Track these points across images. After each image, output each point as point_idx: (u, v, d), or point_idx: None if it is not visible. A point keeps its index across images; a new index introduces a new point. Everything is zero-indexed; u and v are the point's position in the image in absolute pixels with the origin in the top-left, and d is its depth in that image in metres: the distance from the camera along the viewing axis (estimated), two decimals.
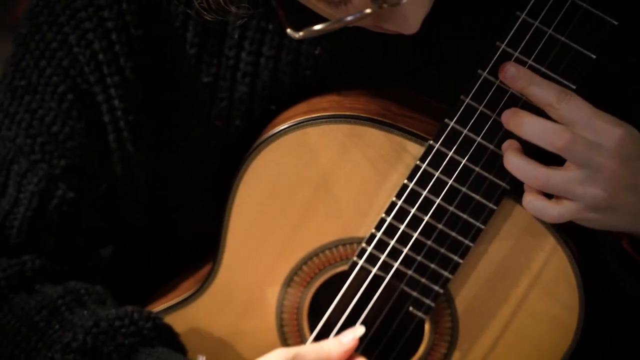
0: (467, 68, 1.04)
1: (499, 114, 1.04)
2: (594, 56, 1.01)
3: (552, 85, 1.02)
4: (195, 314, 1.19)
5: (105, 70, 1.11)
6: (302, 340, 1.18)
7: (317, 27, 0.93)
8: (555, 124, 1.02)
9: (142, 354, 1.09)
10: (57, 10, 1.09)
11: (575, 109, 1.01)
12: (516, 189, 1.07)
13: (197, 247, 1.23)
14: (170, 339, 1.14)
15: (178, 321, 1.18)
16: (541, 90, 1.01)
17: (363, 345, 1.16)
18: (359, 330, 1.14)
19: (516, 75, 1.01)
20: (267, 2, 1.04)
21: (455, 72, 1.07)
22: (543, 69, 1.02)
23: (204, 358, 1.10)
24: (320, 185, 1.11)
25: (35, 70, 1.12)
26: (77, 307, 1.13)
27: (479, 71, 1.03)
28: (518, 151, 1.04)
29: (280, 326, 1.18)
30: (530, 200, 1.04)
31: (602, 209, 1.03)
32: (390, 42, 1.06)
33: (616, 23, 1.00)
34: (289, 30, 0.94)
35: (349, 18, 0.92)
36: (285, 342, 1.18)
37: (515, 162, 1.04)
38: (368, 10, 0.92)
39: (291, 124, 1.10)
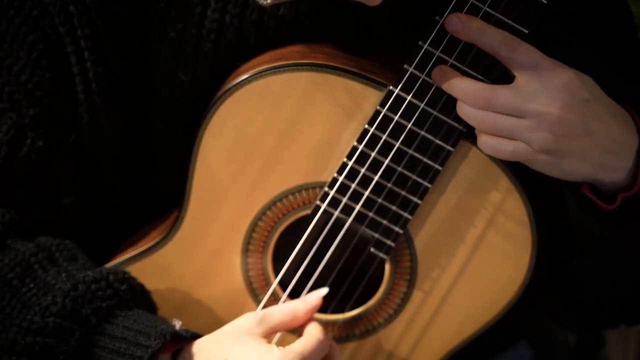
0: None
1: (457, 59, 1.08)
2: (545, 1, 1.06)
3: (500, 33, 1.06)
4: (162, 262, 1.22)
5: (76, 21, 1.13)
6: (267, 284, 1.22)
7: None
8: (478, 84, 1.07)
9: (119, 317, 1.12)
10: None
11: (523, 56, 1.06)
12: (472, 132, 1.12)
13: (166, 198, 1.26)
14: (144, 298, 1.17)
15: (146, 268, 1.22)
16: (489, 39, 1.06)
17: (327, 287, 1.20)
18: (322, 290, 1.18)
19: (461, 27, 1.06)
20: None
21: (417, 32, 1.11)
22: (497, 15, 1.06)
23: (179, 322, 1.14)
24: (283, 132, 1.15)
25: (4, 19, 1.13)
26: (49, 264, 1.16)
27: (437, 18, 1.08)
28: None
29: (246, 270, 1.22)
30: (485, 139, 1.09)
31: (554, 152, 1.07)
32: (353, 3, 1.10)
33: None
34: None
35: None
36: (251, 287, 1.22)
37: (465, 109, 1.09)
38: None
39: (254, 73, 1.13)
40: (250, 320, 1.12)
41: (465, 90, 1.07)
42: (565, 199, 1.16)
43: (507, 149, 1.08)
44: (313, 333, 1.13)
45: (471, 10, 1.07)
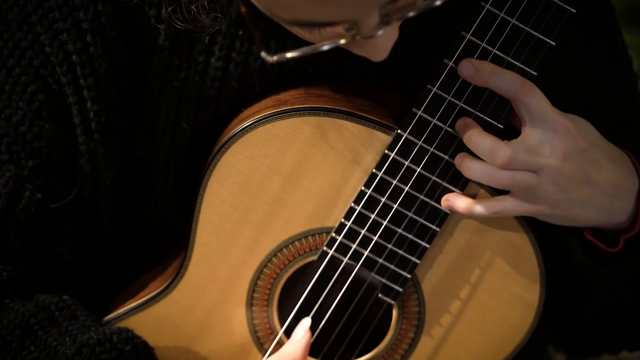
0: (431, 67, 1.08)
1: (467, 102, 1.08)
2: (553, 43, 1.06)
3: (513, 76, 1.06)
4: (165, 312, 1.19)
5: (79, 71, 1.10)
6: (272, 332, 1.19)
7: (289, 54, 0.95)
8: (498, 144, 1.06)
9: None
10: (28, 9, 1.08)
11: (535, 101, 1.06)
12: None
13: (164, 245, 1.24)
14: (147, 357, 1.15)
15: (147, 319, 1.19)
16: (503, 82, 1.06)
17: (334, 334, 1.18)
18: (305, 322, 1.17)
19: (473, 71, 1.06)
20: (239, 14, 1.06)
21: (419, 72, 1.10)
22: (508, 59, 1.06)
23: None
24: (289, 177, 1.13)
25: (3, 69, 1.10)
26: (49, 325, 1.13)
27: (445, 61, 1.07)
28: (475, 158, 1.08)
29: (251, 319, 1.19)
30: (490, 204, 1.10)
31: (557, 203, 1.08)
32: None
33: (574, 11, 1.05)
34: (263, 54, 0.96)
35: (324, 47, 0.94)
36: (256, 334, 1.20)
37: (476, 168, 1.08)
38: (342, 41, 0.94)
39: (260, 118, 1.12)
40: None
41: (485, 148, 1.06)
42: (567, 241, 1.17)
43: (513, 206, 1.09)
44: None
45: (481, 54, 1.06)
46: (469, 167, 1.08)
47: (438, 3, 0.90)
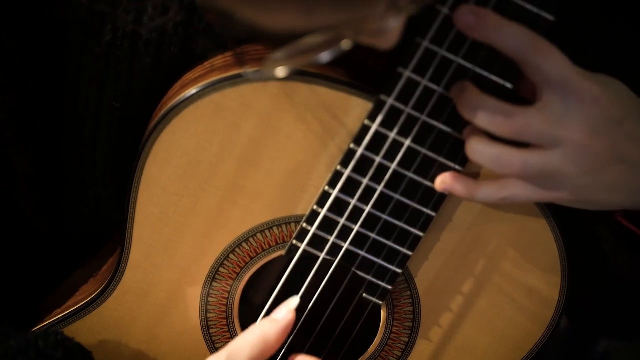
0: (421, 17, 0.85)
1: (467, 58, 0.84)
2: None
3: (525, 32, 0.82)
4: (100, 324, 0.97)
5: None
6: None
7: (282, 71, 0.74)
8: (505, 108, 0.83)
9: None
10: None
11: (549, 64, 0.82)
12: None
13: (99, 238, 1.02)
14: None
15: (83, 331, 0.97)
16: (512, 39, 0.82)
17: (310, 340, 0.97)
18: (293, 302, 0.95)
19: (474, 22, 0.82)
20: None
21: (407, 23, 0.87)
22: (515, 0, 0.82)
23: None
24: (246, 157, 0.90)
25: None
26: None
27: (438, 7, 0.83)
28: (482, 137, 0.85)
29: (207, 328, 0.98)
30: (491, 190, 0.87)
31: (581, 188, 0.86)
32: None
33: None
34: (246, 71, 0.76)
35: (324, 59, 0.72)
36: (213, 346, 0.98)
37: (481, 150, 0.85)
38: (346, 45, 0.72)
39: (206, 85, 0.88)
40: None
41: (491, 114, 0.82)
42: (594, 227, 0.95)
43: (525, 192, 0.87)
44: None
45: None
46: (472, 149, 0.85)
47: None
